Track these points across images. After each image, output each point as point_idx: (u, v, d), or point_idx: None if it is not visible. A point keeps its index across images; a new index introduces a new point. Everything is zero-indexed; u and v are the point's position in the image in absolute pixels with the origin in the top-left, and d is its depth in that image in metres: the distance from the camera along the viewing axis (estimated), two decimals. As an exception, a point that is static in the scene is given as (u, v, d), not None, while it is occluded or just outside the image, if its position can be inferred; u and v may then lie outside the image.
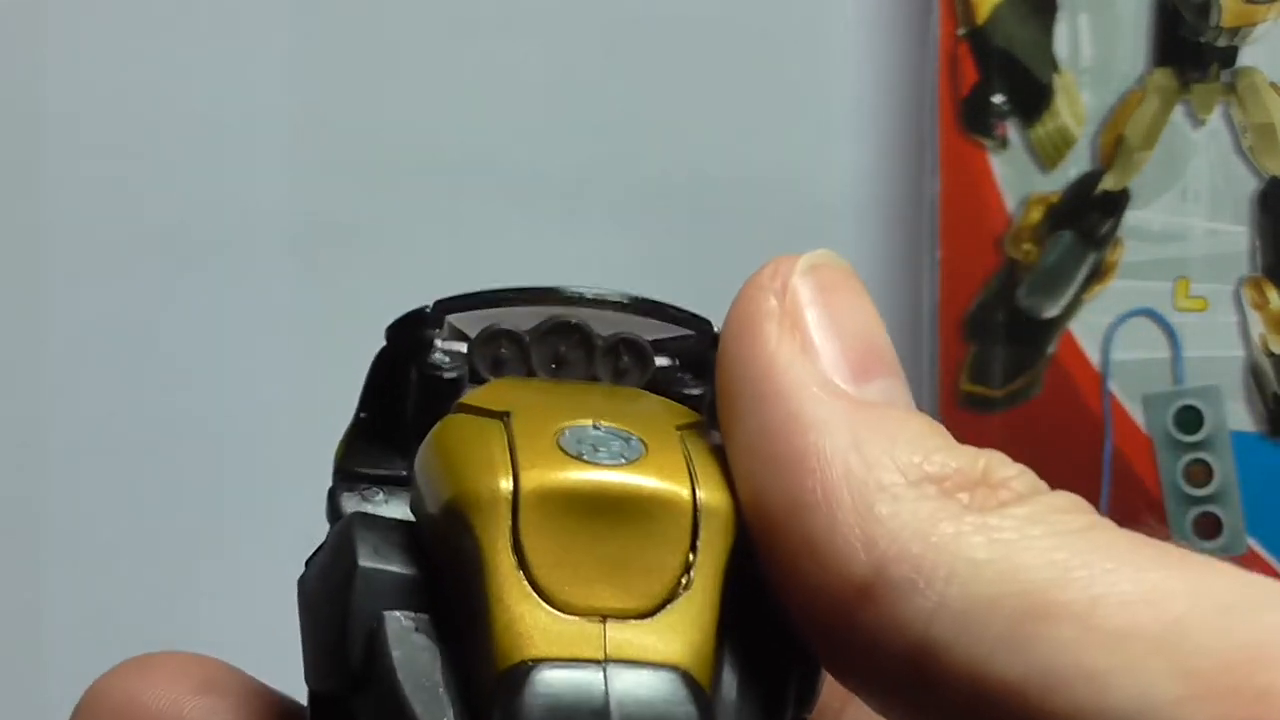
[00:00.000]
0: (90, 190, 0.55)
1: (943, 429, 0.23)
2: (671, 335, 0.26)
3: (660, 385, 0.25)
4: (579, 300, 0.25)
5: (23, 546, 0.56)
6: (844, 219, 0.57)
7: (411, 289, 0.54)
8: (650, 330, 0.25)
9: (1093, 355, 0.54)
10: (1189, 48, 0.53)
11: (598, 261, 0.57)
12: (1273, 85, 0.53)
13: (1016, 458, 0.48)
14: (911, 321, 0.56)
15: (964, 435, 0.50)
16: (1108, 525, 0.22)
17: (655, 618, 0.22)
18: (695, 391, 0.25)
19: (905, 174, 0.57)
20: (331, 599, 0.22)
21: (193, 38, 0.56)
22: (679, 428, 0.23)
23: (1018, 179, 0.54)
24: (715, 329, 0.25)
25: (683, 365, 0.26)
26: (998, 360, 0.54)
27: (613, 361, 0.25)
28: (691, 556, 0.22)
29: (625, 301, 0.25)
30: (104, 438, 0.56)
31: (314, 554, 0.24)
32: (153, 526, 0.56)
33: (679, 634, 0.21)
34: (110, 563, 0.56)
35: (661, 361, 0.25)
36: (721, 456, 0.23)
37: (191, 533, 0.56)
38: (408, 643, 0.22)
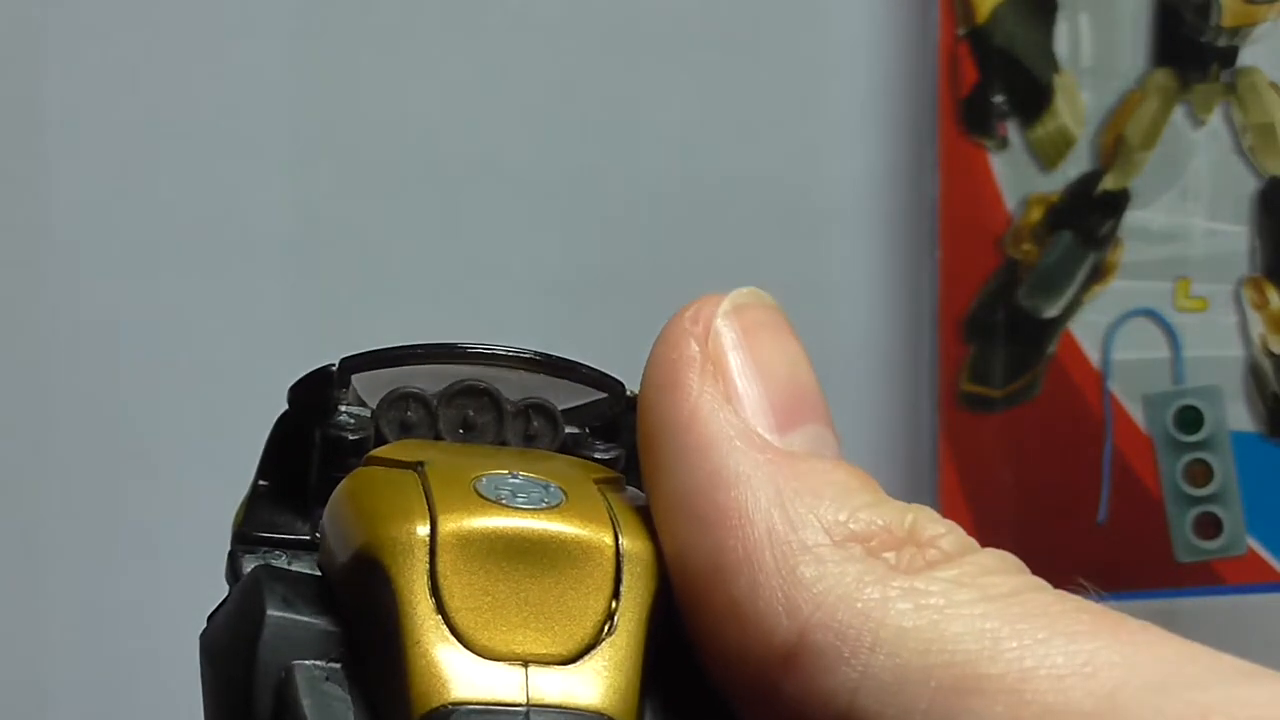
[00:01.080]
0: (88, 192, 0.55)
1: (870, 480, 0.22)
2: (580, 403, 0.25)
3: (570, 450, 0.25)
4: (489, 359, 0.25)
5: (21, 546, 0.56)
6: (844, 219, 0.57)
7: (408, 291, 0.56)
8: (561, 390, 0.25)
9: (1093, 355, 0.54)
10: (1189, 48, 0.53)
11: (595, 264, 0.57)
12: (1273, 85, 0.53)
13: (1017, 458, 0.50)
14: (911, 321, 0.56)
15: (964, 435, 0.51)
16: (1039, 587, 0.21)
17: (578, 664, 0.21)
18: (607, 456, 0.25)
19: (905, 174, 0.57)
20: (238, 651, 0.22)
21: (192, 38, 0.56)
22: (597, 481, 0.23)
23: (1018, 179, 0.54)
24: (627, 390, 0.25)
25: (593, 431, 0.25)
26: (998, 360, 0.54)
27: (522, 426, 0.25)
28: (615, 603, 0.21)
29: (536, 359, 0.25)
30: (100, 437, 0.56)
31: (216, 609, 0.23)
32: (148, 527, 0.56)
33: (602, 680, 0.21)
34: (107, 564, 0.56)
35: (571, 429, 0.25)
36: (642, 511, 0.23)
37: (187, 532, 0.54)
38: (319, 692, 0.21)
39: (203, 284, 0.56)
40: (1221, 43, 0.53)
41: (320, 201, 0.56)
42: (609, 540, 0.21)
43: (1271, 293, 0.53)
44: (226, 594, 0.23)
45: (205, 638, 0.22)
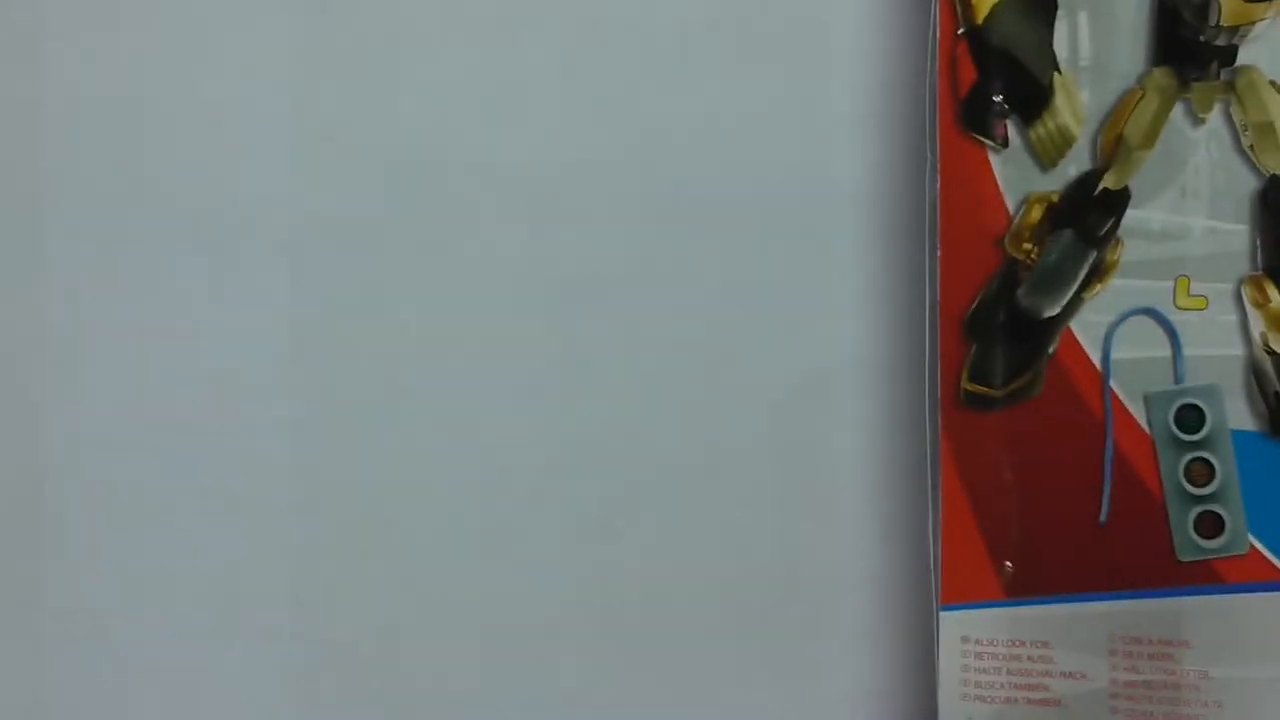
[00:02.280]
0: (86, 188, 0.55)
1: None
2: None
3: None
4: None
5: (17, 545, 0.56)
6: (844, 219, 0.56)
7: (411, 291, 0.55)
8: None
9: (1093, 354, 0.53)
10: (1188, 46, 0.52)
11: (596, 261, 0.56)
12: (1272, 84, 0.52)
13: (1018, 457, 0.49)
14: (912, 321, 0.56)
15: (965, 434, 0.50)
16: None
17: None
18: None
19: (905, 174, 0.56)
20: None
21: (193, 34, 0.55)
22: None
23: (1018, 178, 0.53)
24: None
25: None
26: (998, 359, 0.53)
27: None
28: None
29: None
30: (97, 438, 0.55)
31: None
32: (143, 529, 0.55)
33: None
34: (100, 564, 0.56)
35: None
36: None
37: (182, 536, 0.55)
38: None
39: (198, 283, 0.55)
40: (1221, 41, 0.52)
41: (321, 200, 0.55)
42: None
43: (1272, 291, 0.52)
44: None
45: None
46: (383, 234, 0.56)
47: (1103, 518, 0.53)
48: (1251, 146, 0.52)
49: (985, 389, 0.53)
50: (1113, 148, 0.52)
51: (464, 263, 0.56)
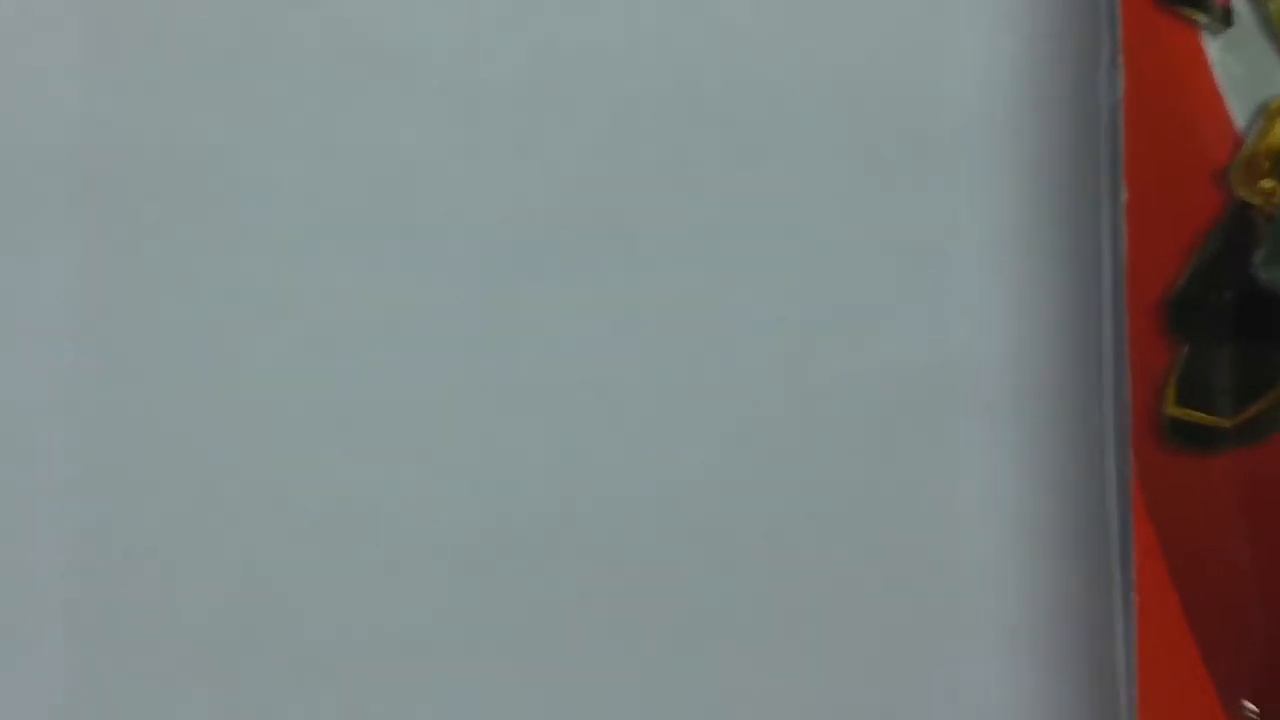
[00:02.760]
0: None
1: None
2: None
3: None
4: None
5: None
6: (972, 145, 0.49)
7: (263, 244, 0.52)
8: None
9: None
10: None
11: (584, 212, 0.49)
12: None
13: (1259, 526, 0.49)
14: (1082, 306, 0.48)
15: (1171, 487, 0.49)
16: None
17: None
18: None
19: (1066, 73, 0.49)
20: None
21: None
22: None
23: (1249, 76, 0.46)
24: None
25: None
26: (1223, 368, 0.46)
27: None
28: None
29: None
30: None
31: None
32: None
33: None
34: None
35: None
36: None
37: None
38: None
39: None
40: None
41: (127, 118, 0.49)
42: None
43: None
44: None
45: None
46: (234, 161, 0.49)
47: (1404, 619, 0.49)
48: None
49: (1204, 416, 0.47)
50: (1404, 27, 0.46)
51: (367, 204, 0.49)
